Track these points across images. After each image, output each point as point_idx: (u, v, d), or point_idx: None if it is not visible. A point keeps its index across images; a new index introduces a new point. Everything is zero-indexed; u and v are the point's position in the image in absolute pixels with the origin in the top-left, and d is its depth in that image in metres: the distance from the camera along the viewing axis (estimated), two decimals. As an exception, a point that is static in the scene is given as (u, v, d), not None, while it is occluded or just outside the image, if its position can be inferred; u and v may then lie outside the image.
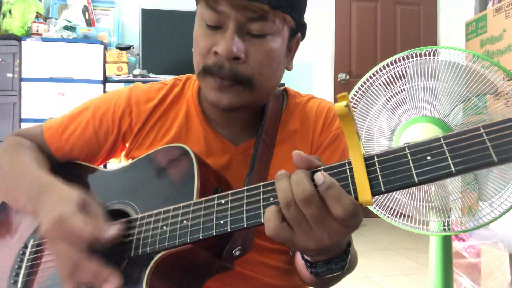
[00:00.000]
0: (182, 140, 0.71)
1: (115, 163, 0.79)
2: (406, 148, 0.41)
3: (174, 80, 0.79)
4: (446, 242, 1.17)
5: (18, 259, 0.65)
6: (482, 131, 0.38)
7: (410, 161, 0.41)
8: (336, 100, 0.44)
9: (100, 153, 0.76)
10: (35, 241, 0.66)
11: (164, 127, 0.74)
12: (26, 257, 0.65)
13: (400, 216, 1.14)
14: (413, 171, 0.40)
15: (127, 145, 0.75)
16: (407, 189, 1.10)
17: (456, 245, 1.73)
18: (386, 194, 1.14)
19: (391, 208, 1.14)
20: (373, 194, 0.42)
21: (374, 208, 1.17)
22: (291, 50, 0.72)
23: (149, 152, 0.66)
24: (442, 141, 0.40)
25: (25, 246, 0.66)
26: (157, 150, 0.65)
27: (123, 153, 0.77)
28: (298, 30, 0.70)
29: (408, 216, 1.13)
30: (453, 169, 0.39)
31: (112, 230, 0.53)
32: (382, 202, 1.16)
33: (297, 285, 0.73)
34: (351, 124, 0.42)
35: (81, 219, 0.52)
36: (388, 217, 1.16)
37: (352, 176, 0.43)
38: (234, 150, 0.72)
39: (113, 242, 0.54)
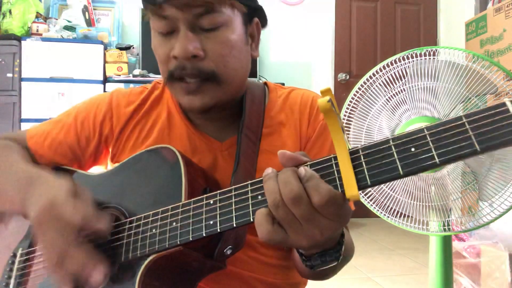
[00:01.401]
0: (165, 141, 0.71)
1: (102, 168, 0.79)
2: (391, 141, 0.42)
3: (154, 83, 0.79)
4: (446, 242, 1.17)
5: (8, 269, 0.65)
6: (464, 120, 0.39)
7: (395, 153, 0.41)
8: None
9: (84, 159, 0.75)
10: (24, 250, 0.65)
11: (145, 129, 0.74)
12: (16, 266, 0.64)
13: (400, 216, 1.14)
14: (398, 163, 0.41)
15: (110, 149, 0.75)
16: (407, 189, 1.10)
17: (456, 245, 1.73)
18: (386, 194, 1.14)
19: (391, 208, 1.14)
20: (360, 188, 0.42)
21: (374, 208, 1.17)
22: (253, 36, 0.71)
23: (135, 154, 0.65)
24: (426, 132, 0.40)
25: (14, 255, 0.66)
26: (143, 152, 0.64)
27: (108, 158, 0.76)
28: (254, 15, 0.70)
29: (408, 216, 1.13)
30: (437, 160, 0.39)
31: (103, 218, 0.53)
32: (382, 202, 1.16)
33: (292, 282, 0.73)
34: (335, 118, 0.42)
35: (71, 205, 0.52)
36: (388, 217, 1.16)
37: (338, 171, 0.43)
38: (219, 146, 0.72)
39: (103, 232, 0.53)
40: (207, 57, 0.63)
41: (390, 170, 0.41)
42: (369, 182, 0.42)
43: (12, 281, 0.63)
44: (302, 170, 0.43)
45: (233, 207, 0.48)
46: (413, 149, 0.40)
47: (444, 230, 1.11)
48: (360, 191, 0.44)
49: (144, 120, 0.74)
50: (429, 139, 0.40)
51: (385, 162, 0.41)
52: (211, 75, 0.64)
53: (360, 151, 0.43)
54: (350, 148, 0.44)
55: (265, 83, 0.80)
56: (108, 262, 0.52)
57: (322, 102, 0.41)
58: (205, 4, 0.61)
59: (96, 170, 0.77)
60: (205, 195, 0.52)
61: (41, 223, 0.53)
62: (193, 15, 0.61)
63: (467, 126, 0.38)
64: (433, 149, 0.39)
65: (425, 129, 0.40)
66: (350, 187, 0.42)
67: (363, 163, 0.42)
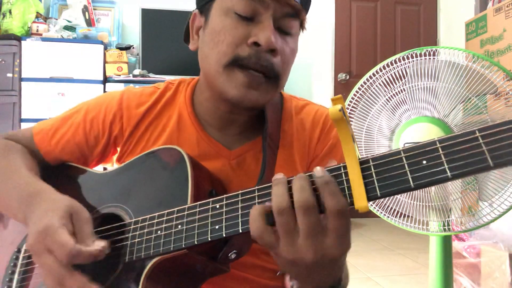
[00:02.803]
0: (174, 144, 0.69)
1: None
2: (402, 152, 0.41)
3: (167, 83, 0.77)
4: (446, 242, 1.17)
5: (12, 264, 0.64)
6: (477, 134, 0.38)
7: (406, 165, 0.40)
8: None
9: (91, 157, 0.74)
10: None
11: (156, 131, 0.72)
12: (20, 261, 0.64)
13: (400, 216, 1.14)
14: (409, 176, 0.40)
15: (118, 149, 0.74)
16: (407, 189, 1.10)
17: (456, 245, 1.73)
18: (386, 194, 1.14)
19: (391, 208, 1.14)
20: (369, 199, 0.41)
21: (374, 208, 1.17)
22: None
23: (142, 154, 0.65)
24: (438, 145, 0.39)
25: (18, 251, 0.65)
26: (150, 152, 0.64)
27: (115, 157, 0.75)
28: None
29: (408, 216, 1.13)
30: (449, 174, 0.38)
31: (97, 244, 0.51)
32: (382, 202, 1.16)
33: None
34: (346, 128, 0.42)
35: (65, 232, 0.50)
36: (388, 217, 1.16)
37: (348, 181, 0.42)
38: (228, 154, 0.70)
39: (98, 258, 0.51)
40: (279, 57, 0.63)
41: (401, 182, 0.40)
42: (379, 194, 0.41)
43: (16, 276, 0.63)
44: (320, 169, 0.42)
45: (239, 212, 0.48)
46: (424, 162, 0.39)
47: (444, 230, 1.11)
48: (370, 202, 0.43)
49: (155, 122, 0.73)
50: (441, 152, 0.39)
51: (396, 174, 0.40)
52: (277, 75, 0.64)
53: (371, 161, 0.42)
54: (360, 158, 0.43)
55: (280, 93, 0.78)
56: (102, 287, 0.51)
57: (333, 110, 0.40)
58: (296, 7, 0.62)
59: (99, 168, 0.77)
60: (211, 199, 0.51)
61: (35, 251, 0.52)
62: (283, 12, 0.62)
63: (481, 141, 0.37)
64: (445, 163, 0.38)
65: (437, 142, 0.39)
66: (360, 198, 0.41)
67: (373, 174, 0.41)
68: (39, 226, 0.52)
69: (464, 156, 0.38)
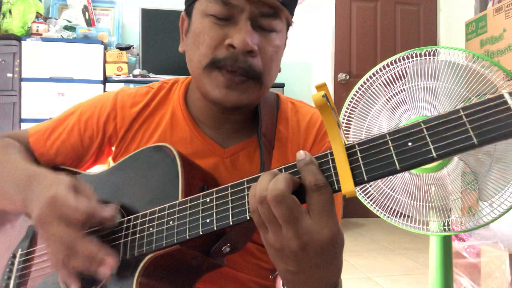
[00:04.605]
0: (167, 142, 0.69)
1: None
2: (387, 135, 0.41)
3: (161, 83, 0.78)
4: (446, 242, 1.17)
5: (7, 270, 0.65)
6: (461, 113, 0.38)
7: (391, 148, 0.40)
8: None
9: (86, 157, 0.75)
10: (23, 251, 0.65)
11: (149, 130, 0.73)
12: (15, 267, 0.64)
13: (400, 216, 1.14)
14: (395, 158, 0.40)
15: (113, 149, 0.74)
16: (407, 189, 1.10)
17: (456, 245, 1.73)
18: (386, 194, 1.14)
19: (391, 208, 1.14)
20: (356, 184, 0.41)
21: (374, 208, 1.17)
22: None
23: (133, 152, 0.65)
24: (423, 126, 0.39)
25: (13, 256, 0.65)
26: (140, 151, 0.64)
27: (110, 157, 0.76)
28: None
29: (408, 216, 1.13)
30: (434, 154, 0.38)
31: (107, 209, 0.54)
32: (382, 202, 1.16)
33: None
34: (331, 114, 0.42)
35: (73, 200, 0.52)
36: (388, 217, 1.16)
37: (335, 167, 0.43)
38: (221, 153, 0.70)
39: (110, 222, 0.54)
40: (258, 57, 0.63)
41: (387, 165, 0.40)
42: (365, 178, 0.41)
43: (12, 282, 0.63)
44: (302, 154, 0.43)
45: (230, 205, 0.48)
46: (410, 144, 0.40)
47: (444, 230, 1.11)
48: (357, 187, 0.43)
49: (149, 121, 0.73)
50: (426, 133, 0.39)
51: (382, 157, 0.41)
52: (257, 74, 0.63)
53: (357, 147, 0.42)
54: (346, 143, 0.43)
55: (277, 94, 0.79)
56: (115, 253, 0.52)
57: (316, 97, 0.41)
58: (273, 6, 0.61)
59: (93, 169, 0.77)
60: (201, 193, 0.51)
61: (44, 221, 0.52)
62: (259, 12, 0.61)
63: (465, 119, 0.38)
64: (430, 143, 0.39)
65: (421, 123, 0.40)
66: (346, 183, 0.41)
67: (360, 158, 0.42)
68: (46, 197, 0.52)
69: (448, 135, 0.38)
